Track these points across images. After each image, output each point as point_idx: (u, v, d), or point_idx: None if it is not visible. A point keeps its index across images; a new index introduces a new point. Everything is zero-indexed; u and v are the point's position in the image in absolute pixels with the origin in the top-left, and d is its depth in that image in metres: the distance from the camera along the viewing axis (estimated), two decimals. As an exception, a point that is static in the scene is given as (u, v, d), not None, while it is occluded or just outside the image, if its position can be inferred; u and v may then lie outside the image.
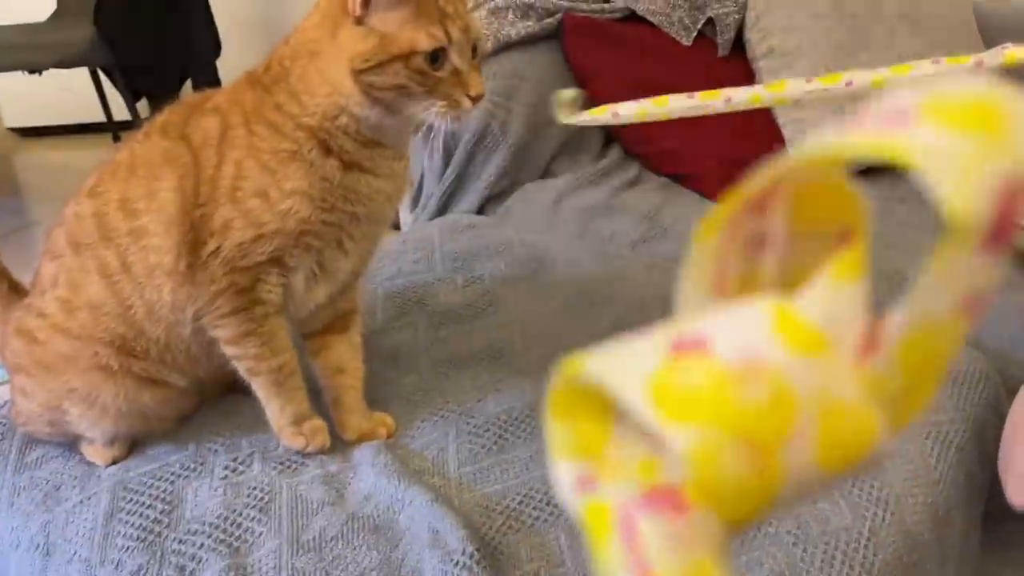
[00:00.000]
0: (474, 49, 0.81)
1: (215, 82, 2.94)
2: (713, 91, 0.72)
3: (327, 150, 0.81)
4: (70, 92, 3.24)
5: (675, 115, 0.74)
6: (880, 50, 1.67)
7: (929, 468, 0.93)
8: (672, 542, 0.26)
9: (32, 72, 2.70)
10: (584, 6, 1.70)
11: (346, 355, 0.94)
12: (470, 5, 0.84)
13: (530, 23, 1.61)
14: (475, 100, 0.80)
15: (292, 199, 0.80)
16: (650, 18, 1.73)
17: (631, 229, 1.49)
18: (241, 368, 0.88)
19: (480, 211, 1.61)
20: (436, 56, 0.77)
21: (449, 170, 1.59)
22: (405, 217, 1.73)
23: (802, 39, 1.67)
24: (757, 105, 0.72)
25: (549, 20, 1.63)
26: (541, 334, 1.13)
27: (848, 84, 0.68)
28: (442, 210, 1.62)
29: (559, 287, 1.25)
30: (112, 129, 3.23)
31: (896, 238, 1.36)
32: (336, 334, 0.94)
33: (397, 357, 1.10)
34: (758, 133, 1.65)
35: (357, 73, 0.77)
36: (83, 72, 3.06)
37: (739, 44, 1.76)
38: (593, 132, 1.74)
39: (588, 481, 0.28)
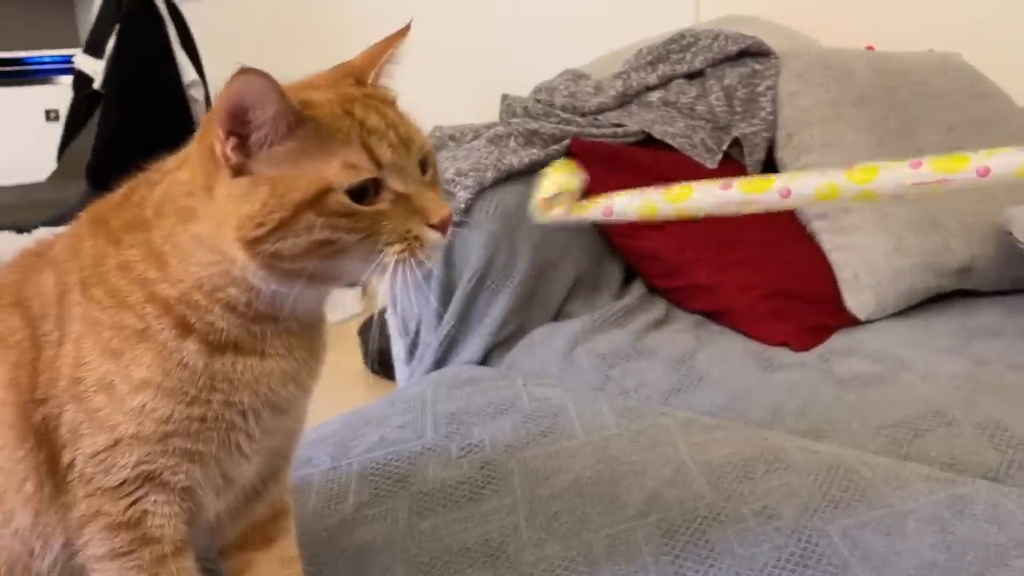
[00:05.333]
0: (423, 163, 0.60)
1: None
2: (763, 179, 0.51)
3: (185, 328, 0.58)
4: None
5: (696, 211, 0.53)
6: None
7: None
8: None
9: (21, 232, 2.58)
10: (595, 131, 1.54)
11: None
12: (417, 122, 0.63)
13: (535, 150, 1.44)
14: (442, 228, 0.58)
15: (144, 394, 0.57)
16: (669, 140, 1.55)
17: (661, 378, 1.25)
18: None
19: (484, 361, 1.38)
20: (364, 189, 0.56)
21: (447, 316, 1.38)
22: (401, 372, 1.51)
23: (842, 156, 1.48)
24: (831, 201, 0.51)
25: (555, 147, 1.46)
26: (553, 521, 0.88)
27: (982, 172, 0.46)
28: (441, 362, 1.40)
29: (576, 455, 1.01)
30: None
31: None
32: (258, 550, 0.69)
33: (367, 560, 0.85)
34: (800, 261, 1.43)
35: (251, 244, 0.55)
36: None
37: (770, 165, 1.58)
38: (612, 267, 1.53)
39: None
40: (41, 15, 3.60)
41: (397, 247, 0.57)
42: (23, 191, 2.77)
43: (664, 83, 1.63)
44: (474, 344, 1.38)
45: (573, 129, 1.51)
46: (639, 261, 1.49)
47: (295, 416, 0.67)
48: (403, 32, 0.64)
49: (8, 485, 0.59)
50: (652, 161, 1.52)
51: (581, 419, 1.09)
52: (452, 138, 1.56)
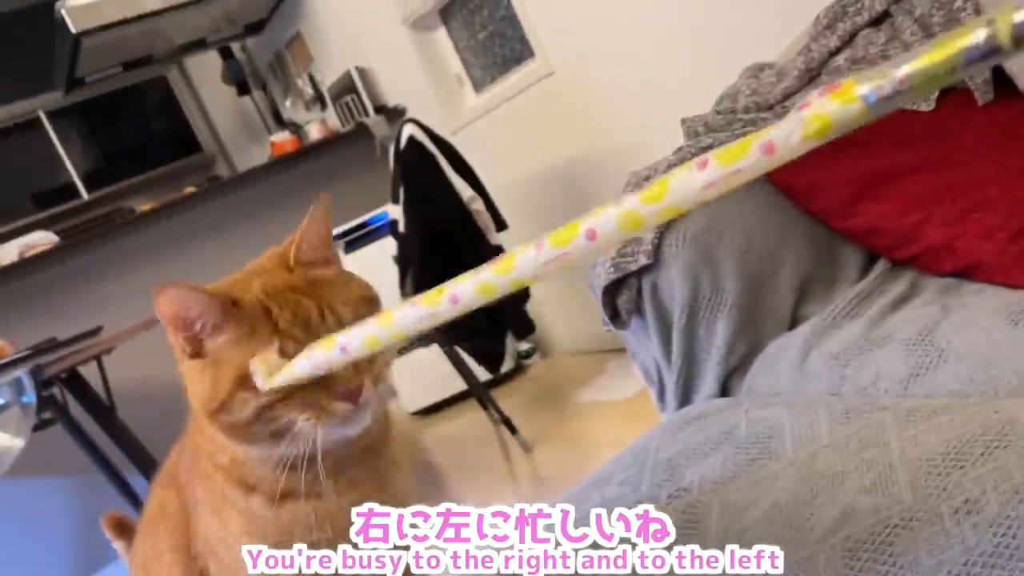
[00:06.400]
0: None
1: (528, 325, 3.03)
2: (569, 225, 0.49)
3: (248, 487, 0.69)
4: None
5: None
6: None
7: None
8: None
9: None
10: (778, 121, 1.44)
11: None
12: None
13: (714, 166, 1.39)
14: (349, 397, 0.64)
15: (242, 541, 0.69)
16: (867, 100, 1.40)
17: (898, 364, 1.12)
18: None
19: (725, 391, 1.35)
20: None
21: (673, 356, 1.37)
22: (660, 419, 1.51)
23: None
24: (635, 232, 0.48)
25: (737, 154, 1.40)
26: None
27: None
28: (684, 402, 1.39)
29: (779, 477, 0.95)
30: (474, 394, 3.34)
31: None
32: None
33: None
34: (1055, 180, 1.20)
35: (211, 418, 0.65)
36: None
37: (1002, 80, 1.35)
38: (848, 254, 1.40)
39: None
40: (369, 179, 4.25)
41: (305, 416, 0.63)
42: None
43: (847, 41, 1.48)
44: (708, 377, 1.35)
45: (751, 130, 1.43)
46: (865, 239, 1.35)
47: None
48: (321, 209, 0.69)
49: None
50: (850, 129, 1.38)
51: (794, 435, 1.02)
52: (646, 179, 1.56)
